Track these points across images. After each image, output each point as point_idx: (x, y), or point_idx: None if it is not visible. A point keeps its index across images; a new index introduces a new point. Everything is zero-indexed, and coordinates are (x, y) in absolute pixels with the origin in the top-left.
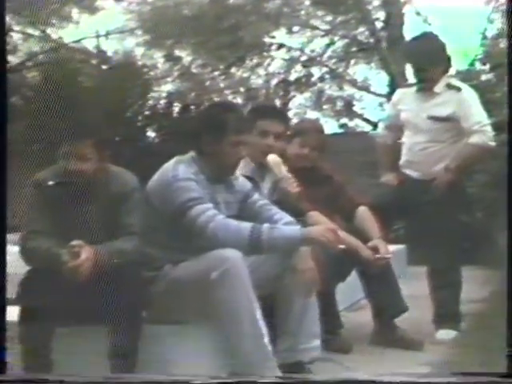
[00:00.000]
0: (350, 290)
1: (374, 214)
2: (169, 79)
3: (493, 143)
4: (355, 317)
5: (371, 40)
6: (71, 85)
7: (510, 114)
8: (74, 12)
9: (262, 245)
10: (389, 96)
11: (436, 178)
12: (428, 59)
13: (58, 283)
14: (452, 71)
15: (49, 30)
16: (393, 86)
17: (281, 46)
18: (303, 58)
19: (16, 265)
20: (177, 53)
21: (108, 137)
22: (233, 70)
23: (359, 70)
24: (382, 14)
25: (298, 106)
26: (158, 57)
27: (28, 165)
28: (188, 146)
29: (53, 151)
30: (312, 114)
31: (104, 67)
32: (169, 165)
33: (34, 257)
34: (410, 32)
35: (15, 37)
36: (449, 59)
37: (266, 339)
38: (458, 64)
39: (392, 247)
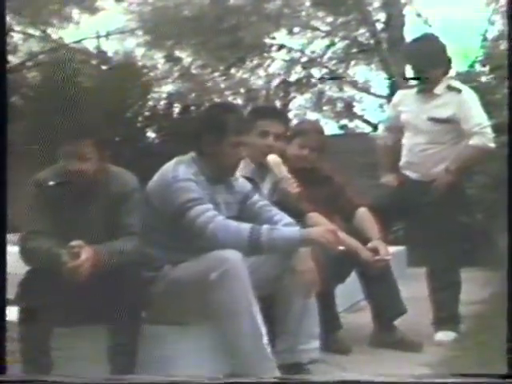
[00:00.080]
0: (349, 292)
1: (373, 215)
2: (169, 80)
3: (493, 145)
4: (354, 318)
5: (371, 41)
6: (71, 85)
7: (510, 116)
8: (75, 12)
9: (262, 246)
10: (389, 97)
11: (436, 180)
12: (428, 61)
13: (58, 283)
14: (452, 73)
15: (49, 30)
16: (393, 88)
17: (281, 46)
18: (303, 59)
19: (16, 265)
20: (177, 53)
21: (108, 137)
22: (233, 70)
23: (359, 71)
24: (382, 16)
25: (298, 107)
26: (159, 57)
27: (28, 165)
28: (188, 147)
29: (53, 151)
30: (312, 115)
31: (104, 68)
32: (169, 165)
33: (34, 257)
34: (410, 33)
35: (16, 37)
36: (449, 61)
37: (265, 340)
38: (458, 65)
39: (391, 248)
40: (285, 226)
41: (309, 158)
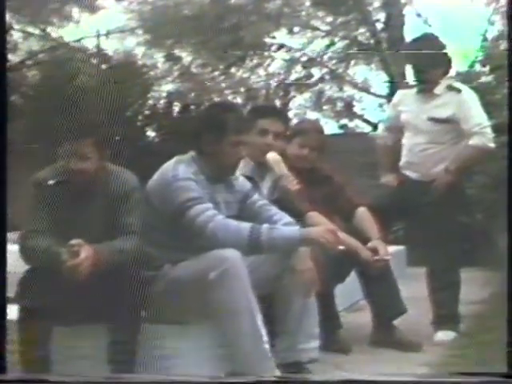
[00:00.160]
0: (349, 291)
1: (373, 215)
2: (169, 79)
3: (493, 145)
4: (354, 317)
5: (371, 41)
6: (71, 84)
7: (510, 116)
8: (75, 11)
9: (262, 245)
10: (389, 97)
11: (436, 180)
12: (428, 60)
13: (58, 282)
14: (452, 73)
15: (49, 29)
16: (393, 88)
17: (281, 46)
18: (303, 59)
19: (16, 264)
20: (177, 52)
21: (108, 136)
22: (233, 70)
23: (359, 70)
24: (382, 16)
25: (298, 106)
26: (158, 56)
27: (28, 164)
28: (188, 146)
29: (53, 150)
30: (312, 115)
31: (104, 67)
32: (169, 164)
33: (34, 256)
34: (410, 33)
35: (15, 35)
36: (449, 61)
37: (265, 339)
38: (458, 65)
39: (391, 248)
40: (284, 226)
41: (309, 158)
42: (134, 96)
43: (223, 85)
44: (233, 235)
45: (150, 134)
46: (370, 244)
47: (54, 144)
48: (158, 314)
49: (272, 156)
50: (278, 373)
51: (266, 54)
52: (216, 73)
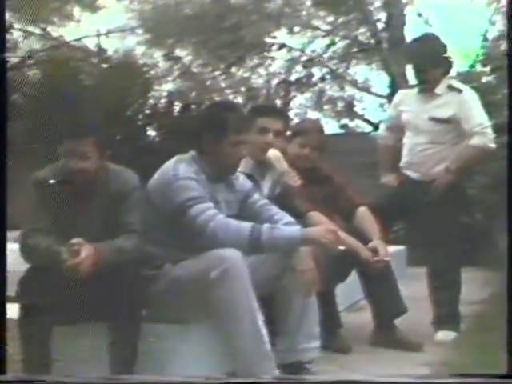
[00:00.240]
0: (349, 291)
1: (373, 215)
2: (169, 78)
3: (493, 145)
4: (355, 317)
5: (372, 41)
6: (72, 83)
7: (510, 116)
8: (75, 10)
9: (262, 245)
10: (389, 97)
11: (436, 180)
12: (429, 60)
13: (58, 281)
14: (453, 73)
15: (50, 28)
16: (393, 87)
17: (282, 46)
18: (304, 59)
19: (15, 263)
20: (177, 52)
21: (108, 135)
22: (233, 69)
23: (360, 70)
24: (383, 15)
25: (299, 106)
26: (159, 56)
27: (29, 163)
28: (188, 146)
29: (53, 149)
30: (312, 115)
31: (104, 66)
32: (169, 164)
33: (34, 255)
34: (411, 33)
35: (16, 34)
36: (450, 61)
37: (266, 339)
38: (458, 65)
39: (392, 248)
40: (285, 225)
41: (309, 157)
42: (134, 95)
43: (224, 84)
44: (233, 235)
45: (151, 133)
46: (370, 244)
47: (55, 143)
48: (158, 313)
49: (273, 153)
50: (278, 373)
51: (266, 53)
52: (216, 72)
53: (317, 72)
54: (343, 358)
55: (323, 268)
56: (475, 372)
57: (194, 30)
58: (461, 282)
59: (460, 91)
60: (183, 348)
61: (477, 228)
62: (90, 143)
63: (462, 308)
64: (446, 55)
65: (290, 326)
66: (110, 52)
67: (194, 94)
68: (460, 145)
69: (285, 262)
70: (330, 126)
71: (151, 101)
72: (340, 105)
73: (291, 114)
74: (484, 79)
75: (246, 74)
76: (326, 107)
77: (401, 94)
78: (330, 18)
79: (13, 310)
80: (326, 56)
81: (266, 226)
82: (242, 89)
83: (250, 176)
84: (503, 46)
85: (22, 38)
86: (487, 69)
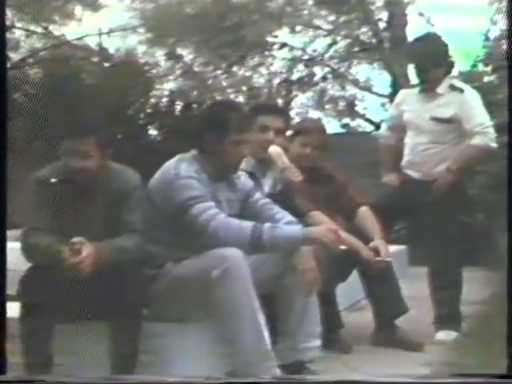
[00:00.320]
0: (350, 290)
1: (375, 214)
2: (171, 77)
3: (495, 145)
4: (355, 317)
5: (374, 40)
6: (73, 82)
7: (510, 116)
8: (77, 9)
9: (263, 244)
10: (391, 96)
11: (437, 179)
12: (431, 60)
13: (59, 280)
14: (454, 72)
15: (51, 27)
16: (395, 87)
17: (283, 45)
18: (305, 58)
19: (16, 261)
20: (179, 51)
21: (110, 134)
22: (235, 68)
23: (361, 70)
24: (384, 15)
25: (300, 105)
26: (160, 55)
27: (30, 162)
28: (190, 145)
29: (55, 148)
30: (314, 114)
31: (106, 65)
32: (171, 163)
33: (36, 254)
34: (412, 33)
35: (18, 33)
36: (451, 60)
37: (266, 338)
38: (460, 65)
39: (393, 247)
40: (286, 225)
41: (311, 157)
42: (135, 94)
43: (225, 83)
44: (235, 234)
45: (152, 132)
46: (371, 244)
47: (56, 142)
48: (159, 312)
49: (274, 149)
50: (278, 372)
51: (268, 52)
52: (218, 71)
53: (318, 71)
54: (344, 357)
55: (324, 267)
56: (476, 372)
57: (196, 29)
58: (462, 281)
59: (461, 91)
60: (184, 347)
61: (478, 228)
62: (92, 142)
63: (463, 308)
64: (447, 55)
65: (291, 325)
66: (111, 51)
67: (195, 93)
68: (461, 144)
69: (286, 262)
70: (332, 126)
71: (153, 100)
72: (341, 104)
73: (293, 113)
74: (486, 79)
75: (248, 73)
76: (327, 106)
77: (402, 93)
78: (332, 18)
79: (13, 310)
80: (327, 55)
81: (267, 225)
82: (244, 88)
83: (251, 174)
84: (505, 45)
85: (24, 36)
86: (489, 68)
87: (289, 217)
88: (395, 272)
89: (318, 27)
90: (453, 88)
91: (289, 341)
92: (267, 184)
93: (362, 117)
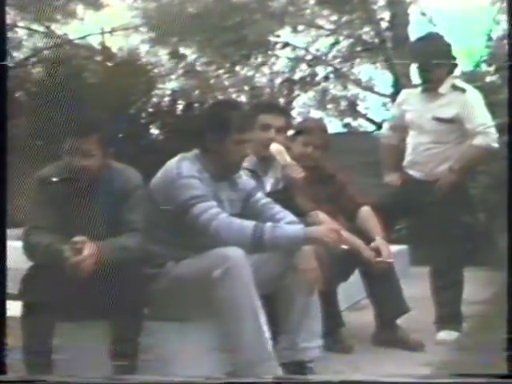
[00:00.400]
0: (351, 290)
1: (376, 214)
2: (173, 77)
3: (496, 145)
4: (357, 317)
5: (376, 40)
6: (75, 81)
7: (510, 116)
8: (79, 8)
9: (265, 243)
10: (393, 96)
11: (439, 179)
12: (433, 60)
13: (61, 279)
14: (457, 72)
15: (53, 26)
16: (397, 87)
17: (285, 44)
18: (308, 58)
19: (19, 260)
20: (181, 50)
21: (112, 133)
22: (237, 68)
23: (363, 69)
24: (387, 14)
25: (302, 104)
26: (163, 54)
27: (32, 160)
28: (192, 144)
29: (57, 147)
30: (316, 113)
31: (108, 64)
32: (173, 162)
33: (37, 252)
34: (415, 32)
35: (20, 32)
36: (454, 60)
37: (268, 338)
38: (462, 65)
39: (394, 247)
40: (288, 224)
41: (312, 156)
42: (137, 94)
43: (227, 83)
44: (236, 233)
45: (154, 131)
46: (373, 244)
47: (58, 141)
48: (160, 311)
49: (275, 147)
50: (279, 372)
51: (270, 52)
52: (220, 71)
53: (320, 71)
54: (345, 357)
55: (326, 267)
56: (475, 372)
57: (198, 29)
58: (463, 281)
59: (464, 91)
60: (185, 346)
61: (479, 228)
62: (94, 141)
63: (465, 308)
64: (450, 54)
65: (292, 324)
66: (113, 50)
67: (197, 92)
68: (463, 144)
69: (287, 261)
70: (333, 125)
71: (155, 99)
72: (343, 104)
73: (294, 112)
74: (488, 79)
75: (250, 73)
76: (329, 106)
77: (404, 93)
78: (334, 17)
79: (13, 309)
80: (329, 55)
81: (268, 224)
82: (246, 87)
83: (253, 172)
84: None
85: (27, 35)
86: (491, 68)
87: (290, 216)
88: (396, 272)
89: (320, 27)
90: (455, 88)
91: (290, 340)
92: (269, 182)
93: (364, 116)
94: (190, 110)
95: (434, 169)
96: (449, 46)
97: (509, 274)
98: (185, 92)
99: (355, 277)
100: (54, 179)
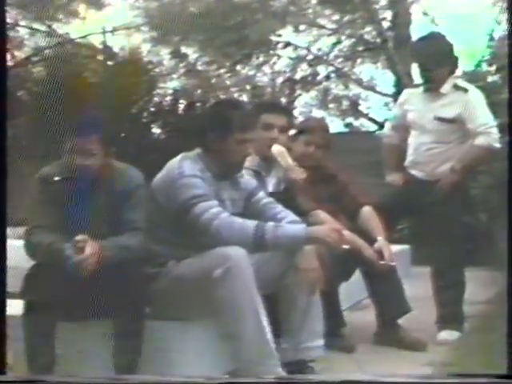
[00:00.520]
0: (353, 290)
1: (378, 214)
2: (175, 76)
3: (498, 145)
4: (358, 316)
5: (378, 40)
6: (77, 80)
7: (510, 116)
8: (81, 8)
9: (266, 243)
10: (395, 96)
11: (441, 179)
12: (435, 59)
13: (62, 278)
14: (459, 72)
15: (55, 26)
16: (399, 86)
17: (287, 44)
18: (309, 57)
19: (20, 259)
20: (183, 50)
21: (113, 133)
22: (239, 67)
23: (365, 69)
24: (388, 14)
25: (304, 104)
26: (164, 53)
27: (33, 160)
28: (194, 143)
29: (58, 147)
30: (317, 113)
31: (110, 63)
32: (174, 161)
33: (39, 252)
34: (416, 32)
35: (22, 32)
36: (456, 60)
37: (269, 337)
38: (464, 65)
39: (396, 247)
40: (289, 224)
41: (314, 156)
42: (139, 93)
43: (229, 82)
44: (237, 233)
45: (156, 131)
46: (375, 245)
47: (60, 140)
48: (161, 310)
49: (277, 148)
50: (281, 371)
51: (271, 51)
52: (222, 70)
53: (322, 70)
54: (346, 357)
55: (327, 267)
56: (475, 372)
57: (200, 28)
58: (465, 281)
59: (465, 91)
60: (186, 346)
61: (481, 228)
62: (95, 140)
63: (466, 308)
64: (451, 54)
65: (294, 324)
66: (115, 49)
67: (199, 91)
68: (465, 144)
69: (289, 261)
70: (335, 125)
71: (156, 98)
72: (345, 103)
73: (296, 112)
74: (490, 78)
75: (252, 72)
76: (330, 106)
77: (406, 93)
78: (336, 17)
79: (14, 308)
80: (331, 54)
81: (270, 224)
82: (247, 87)
83: (255, 172)
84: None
85: (28, 34)
86: (493, 68)
87: (292, 216)
88: (398, 272)
89: (321, 26)
90: (457, 88)
91: (291, 340)
92: (271, 182)
93: (366, 116)
94: (191, 110)
95: (436, 169)
96: (450, 45)
97: (509, 273)
98: (186, 91)
99: (357, 276)
100: (56, 178)
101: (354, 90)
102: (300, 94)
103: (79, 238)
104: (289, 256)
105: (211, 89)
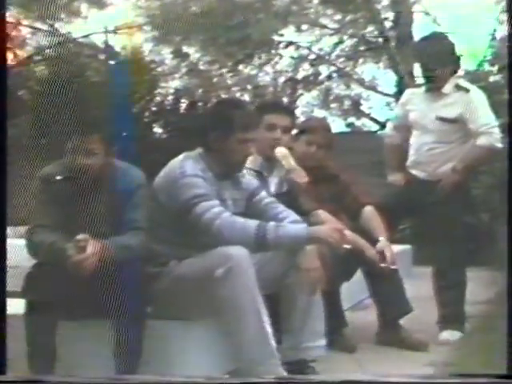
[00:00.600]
0: (354, 290)
1: (380, 214)
2: (176, 75)
3: (500, 145)
4: (359, 316)
5: (380, 39)
6: (79, 79)
7: (510, 116)
8: (83, 7)
9: (268, 243)
10: (396, 96)
11: (443, 179)
12: (437, 59)
13: (64, 277)
14: (460, 72)
15: (57, 25)
16: (401, 86)
17: (289, 44)
18: (311, 57)
19: (21, 259)
20: (185, 49)
21: (115, 132)
22: (240, 67)
23: (367, 69)
24: (390, 14)
25: (306, 104)
26: (166, 53)
27: (35, 159)
28: (195, 143)
29: (60, 146)
30: (319, 113)
31: (112, 63)
32: (176, 161)
33: (40, 251)
34: (419, 32)
35: (24, 31)
36: (458, 60)
37: (270, 337)
38: (466, 65)
39: (397, 247)
40: (291, 224)
41: (316, 156)
42: (141, 92)
43: (231, 82)
44: (239, 233)
45: (157, 130)
46: (377, 246)
47: (61, 139)
48: (162, 310)
49: (280, 150)
50: (282, 371)
51: (273, 51)
52: (224, 70)
53: (324, 70)
54: (348, 357)
55: (329, 267)
56: (475, 372)
57: (202, 28)
58: (466, 281)
59: (467, 91)
60: (187, 345)
61: (482, 228)
62: (97, 140)
63: (467, 308)
64: (453, 54)
65: (295, 324)
66: (117, 49)
67: (200, 91)
68: (467, 144)
69: (290, 261)
70: (337, 125)
71: (158, 98)
72: (347, 103)
73: (298, 112)
74: (492, 78)
75: (253, 72)
76: (332, 105)
77: (408, 93)
78: (338, 17)
79: (15, 307)
80: (333, 54)
81: (271, 224)
82: (249, 86)
83: (258, 172)
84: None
85: (30, 34)
86: (495, 68)
87: (293, 216)
88: (399, 272)
89: (323, 26)
90: (459, 88)
91: (293, 340)
92: (274, 182)
93: (368, 116)
94: (193, 109)
95: (438, 169)
96: (452, 45)
97: (509, 273)
98: (188, 91)
99: (358, 276)
100: (58, 178)
101: (356, 89)
102: (302, 94)
103: (81, 237)
104: (290, 256)
105: (213, 88)
